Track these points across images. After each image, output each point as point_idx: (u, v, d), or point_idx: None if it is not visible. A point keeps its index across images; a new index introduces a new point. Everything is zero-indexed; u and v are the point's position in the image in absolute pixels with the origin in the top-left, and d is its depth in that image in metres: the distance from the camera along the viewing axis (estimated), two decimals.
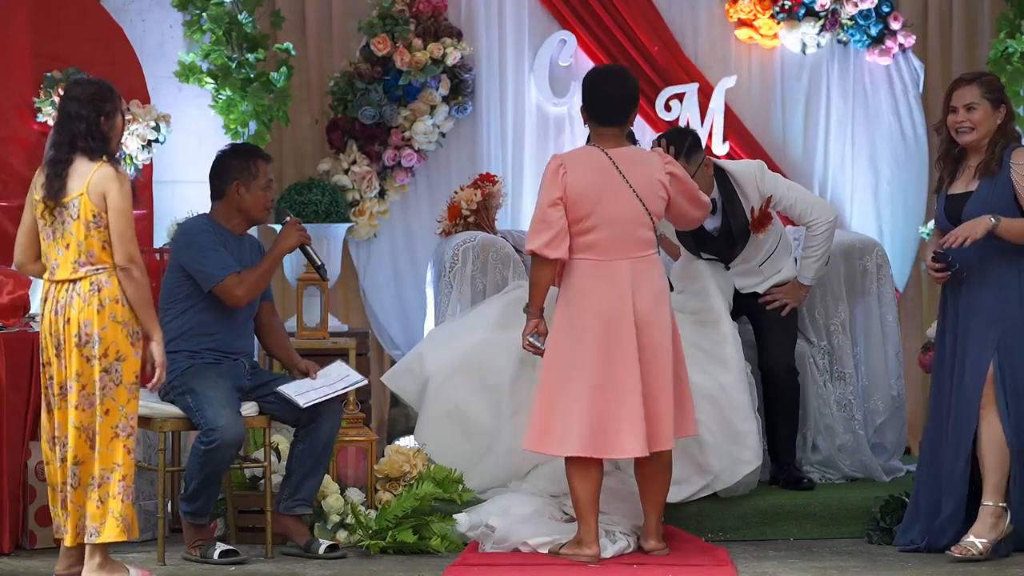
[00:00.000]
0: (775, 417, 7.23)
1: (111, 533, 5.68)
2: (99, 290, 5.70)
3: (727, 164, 7.36)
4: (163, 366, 5.79)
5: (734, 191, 7.22)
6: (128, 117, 7.63)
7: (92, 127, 5.75)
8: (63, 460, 5.73)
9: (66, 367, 5.73)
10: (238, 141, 7.87)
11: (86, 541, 5.70)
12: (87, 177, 5.69)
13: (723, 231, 7.26)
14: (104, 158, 5.72)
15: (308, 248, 6.73)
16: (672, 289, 6.98)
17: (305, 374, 6.61)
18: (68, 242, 5.74)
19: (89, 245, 5.71)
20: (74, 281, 5.73)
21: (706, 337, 7.02)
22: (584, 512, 6.26)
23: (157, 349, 5.76)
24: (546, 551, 6.40)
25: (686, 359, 6.53)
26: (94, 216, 5.69)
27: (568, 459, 6.27)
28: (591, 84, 6.35)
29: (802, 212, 7.27)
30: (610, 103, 6.30)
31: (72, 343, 5.71)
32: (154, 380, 5.79)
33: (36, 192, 5.82)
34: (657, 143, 7.01)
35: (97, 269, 5.71)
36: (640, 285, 6.24)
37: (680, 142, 7.00)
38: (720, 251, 7.33)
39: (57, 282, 5.77)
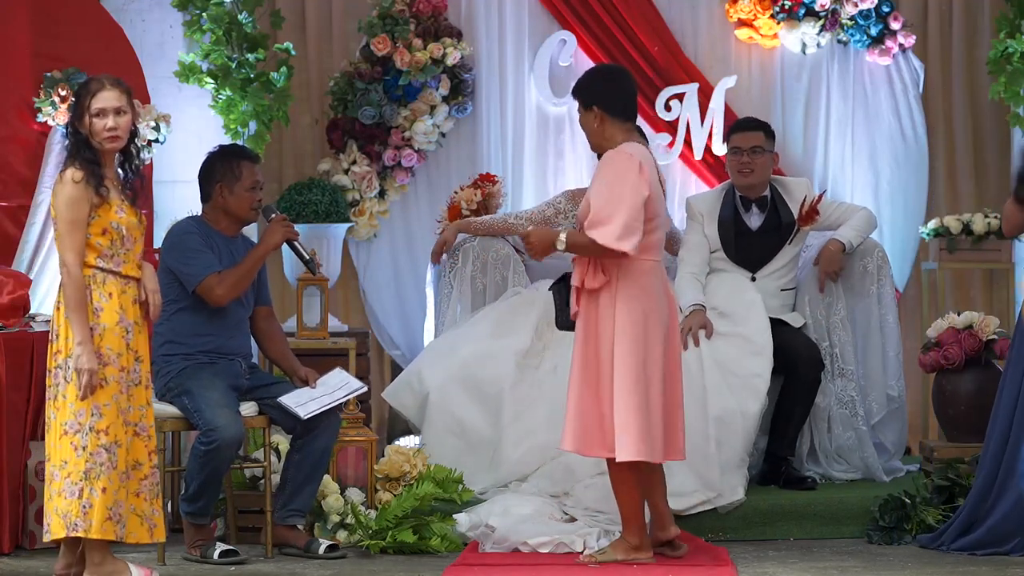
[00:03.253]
0: (791, 408, 7.26)
1: (57, 531, 5.66)
2: (61, 289, 5.75)
3: (778, 176, 7.72)
4: (81, 372, 5.61)
5: (782, 196, 7.53)
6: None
7: (68, 132, 5.84)
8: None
9: (47, 364, 5.80)
10: (228, 143, 7.84)
11: (46, 539, 5.73)
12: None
13: (767, 226, 7.46)
14: (70, 162, 5.76)
15: (295, 244, 6.72)
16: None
17: (305, 382, 6.60)
18: None
19: (56, 248, 5.79)
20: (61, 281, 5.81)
21: (745, 366, 7.08)
22: (641, 516, 6.24)
23: (74, 352, 5.64)
24: (547, 551, 6.40)
25: (721, 381, 6.91)
26: (53, 220, 5.78)
27: (633, 464, 6.15)
28: (612, 80, 6.31)
29: (846, 211, 7.60)
30: (631, 98, 6.30)
31: (48, 340, 5.78)
32: (80, 387, 5.63)
33: None
34: (739, 125, 7.58)
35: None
36: (669, 288, 6.37)
37: (764, 125, 7.60)
38: (755, 251, 7.41)
39: None
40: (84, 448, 5.64)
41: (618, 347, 6.12)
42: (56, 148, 7.67)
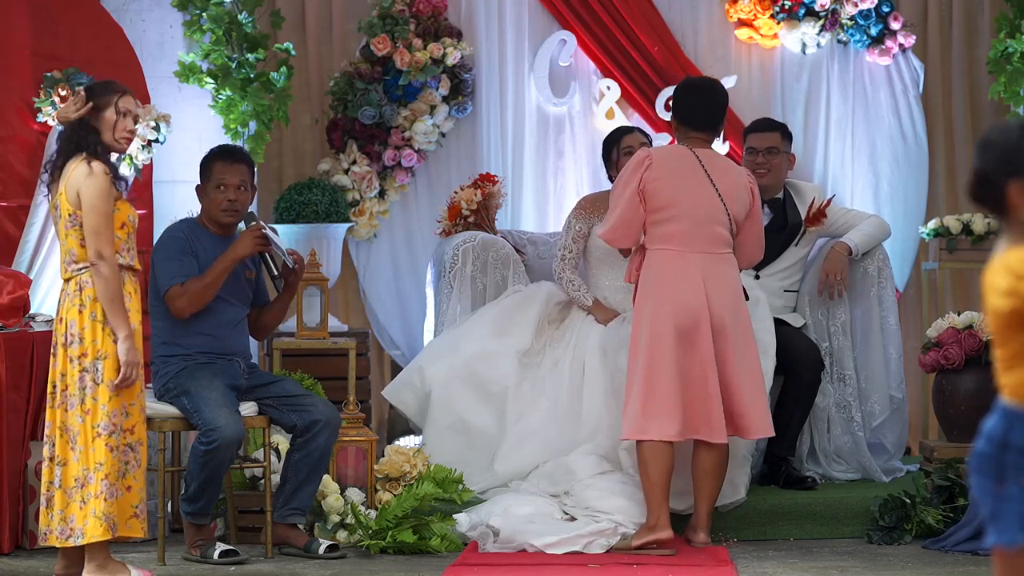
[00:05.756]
0: (791, 408, 7.26)
1: (95, 533, 5.65)
2: (81, 290, 5.71)
3: (790, 180, 7.77)
4: (128, 364, 5.66)
5: (792, 198, 7.59)
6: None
7: (78, 125, 5.81)
8: (51, 459, 5.73)
9: (57, 367, 5.74)
10: (222, 143, 7.84)
11: (72, 544, 5.68)
12: (67, 175, 5.74)
13: (775, 226, 7.46)
14: (84, 155, 5.73)
15: (267, 255, 6.65)
16: None
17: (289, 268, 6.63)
18: (60, 241, 5.80)
19: (70, 244, 5.74)
20: (68, 280, 5.77)
21: None
22: (658, 496, 6.36)
23: (122, 347, 5.67)
24: (563, 551, 6.40)
25: None
26: (70, 215, 5.72)
27: (648, 443, 6.37)
28: (683, 92, 6.71)
29: (854, 218, 7.63)
30: (697, 111, 6.62)
31: (60, 342, 5.74)
32: (119, 378, 5.68)
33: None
34: (755, 126, 7.62)
35: (80, 268, 5.73)
36: (714, 278, 6.43)
37: (781, 126, 7.66)
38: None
39: (64, 281, 5.81)
40: (118, 448, 5.68)
41: (635, 331, 6.50)
42: (55, 148, 7.66)
